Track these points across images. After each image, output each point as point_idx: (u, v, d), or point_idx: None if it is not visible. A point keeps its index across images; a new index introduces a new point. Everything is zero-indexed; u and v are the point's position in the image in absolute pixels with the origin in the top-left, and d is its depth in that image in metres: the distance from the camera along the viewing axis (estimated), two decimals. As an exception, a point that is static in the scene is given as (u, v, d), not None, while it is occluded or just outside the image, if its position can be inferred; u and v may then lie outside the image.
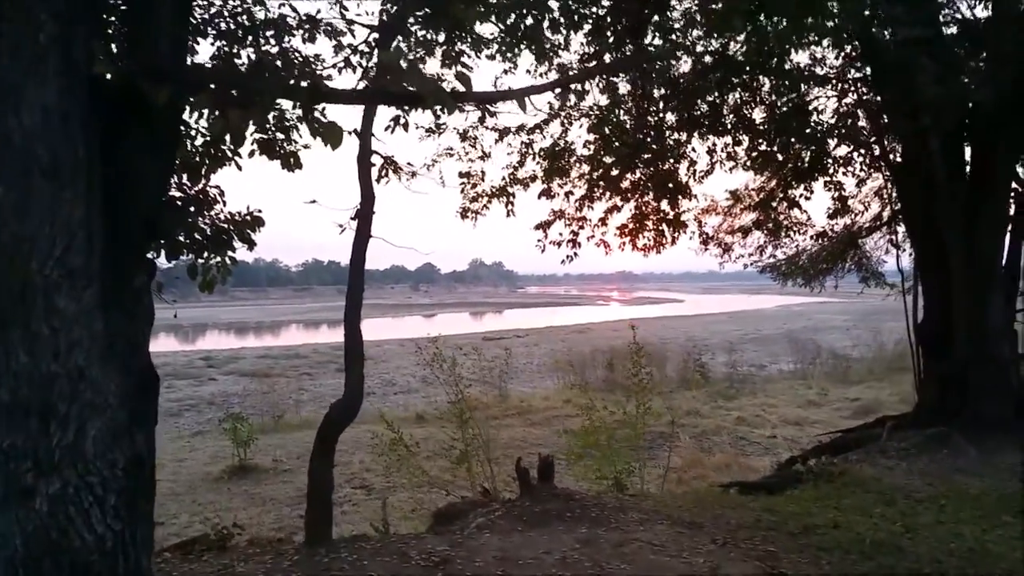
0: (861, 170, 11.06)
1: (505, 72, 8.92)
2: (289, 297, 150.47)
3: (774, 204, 11.14)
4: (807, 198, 11.09)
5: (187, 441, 16.33)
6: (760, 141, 9.54)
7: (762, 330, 51.71)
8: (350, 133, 6.38)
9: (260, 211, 6.63)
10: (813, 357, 24.46)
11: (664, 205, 10.47)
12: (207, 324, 76.89)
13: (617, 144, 9.40)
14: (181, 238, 5.68)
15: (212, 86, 4.02)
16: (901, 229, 11.51)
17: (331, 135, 3.94)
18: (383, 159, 7.27)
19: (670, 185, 10.01)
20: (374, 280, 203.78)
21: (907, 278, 11.34)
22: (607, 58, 8.64)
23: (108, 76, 3.53)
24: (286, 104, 7.04)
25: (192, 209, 6.02)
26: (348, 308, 6.28)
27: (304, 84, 4.55)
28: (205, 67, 5.66)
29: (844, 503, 6.97)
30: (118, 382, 3.37)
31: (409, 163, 7.52)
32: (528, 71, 9.42)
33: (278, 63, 6.05)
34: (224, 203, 6.29)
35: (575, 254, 10.52)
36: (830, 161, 10.59)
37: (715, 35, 7.84)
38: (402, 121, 6.81)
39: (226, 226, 5.87)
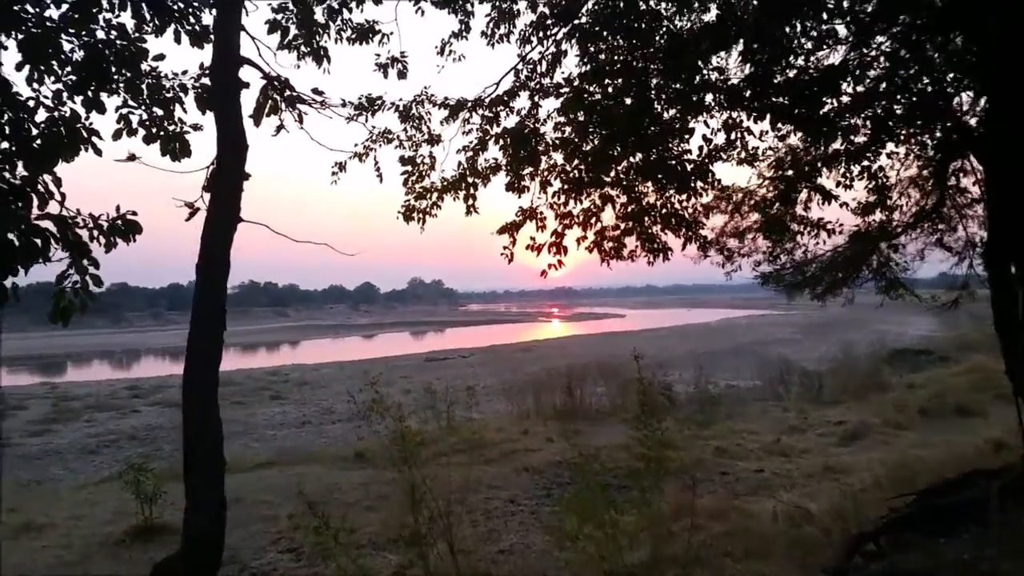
0: (924, 146, 9.19)
1: (455, 35, 7.24)
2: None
3: (795, 197, 9.33)
4: (847, 186, 9.16)
5: (90, 491, 14.10)
6: (790, 112, 7.52)
7: (712, 345, 50.85)
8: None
9: (135, 213, 4.80)
10: (781, 375, 23.03)
11: (672, 197, 8.28)
12: (139, 350, 74.08)
13: (596, 125, 7.54)
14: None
15: None
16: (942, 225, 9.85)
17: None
18: (264, 79, 5.21)
19: (679, 169, 7.70)
20: (312, 301, 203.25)
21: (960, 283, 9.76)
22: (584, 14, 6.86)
23: None
24: (163, 67, 5.25)
25: (18, 206, 4.18)
26: (193, 363, 4.42)
27: None
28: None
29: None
30: None
31: (316, 90, 5.56)
32: (484, 33, 7.65)
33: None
34: (61, 198, 4.44)
35: (559, 262, 8.27)
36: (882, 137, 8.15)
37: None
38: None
39: (47, 228, 4.00)
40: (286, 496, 11.85)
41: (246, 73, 4.77)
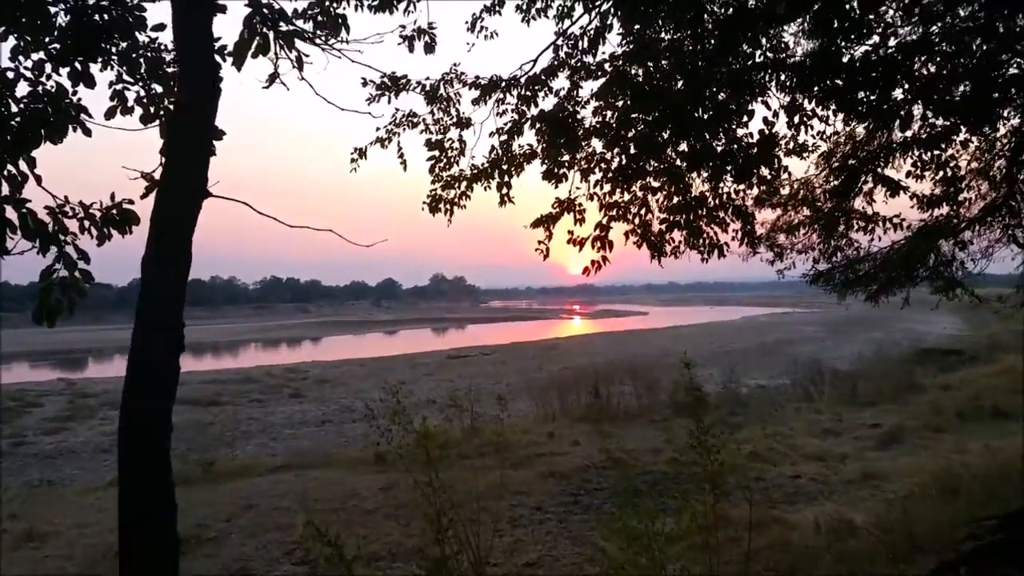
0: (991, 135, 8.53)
1: (488, 9, 6.69)
2: (246, 316, 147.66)
3: (856, 188, 8.69)
4: (919, 176, 8.57)
5: (98, 496, 13.62)
6: (857, 96, 6.78)
7: (736, 343, 50.13)
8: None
9: (131, 202, 4.32)
10: (812, 375, 22.38)
11: (728, 185, 7.31)
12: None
13: (641, 110, 6.89)
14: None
15: None
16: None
17: None
18: (250, 5, 4.15)
19: (739, 154, 6.74)
20: (334, 297, 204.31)
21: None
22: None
23: None
24: (164, 38, 4.75)
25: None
26: (135, 401, 3.69)
27: None
28: None
29: None
30: None
31: (321, 23, 4.74)
32: (519, 7, 7.09)
33: None
34: (36, 181, 3.95)
35: (604, 259, 7.28)
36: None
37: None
38: None
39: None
40: (302, 502, 11.43)
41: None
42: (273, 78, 4.60)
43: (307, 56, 4.53)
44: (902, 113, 6.57)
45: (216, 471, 14.18)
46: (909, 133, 7.67)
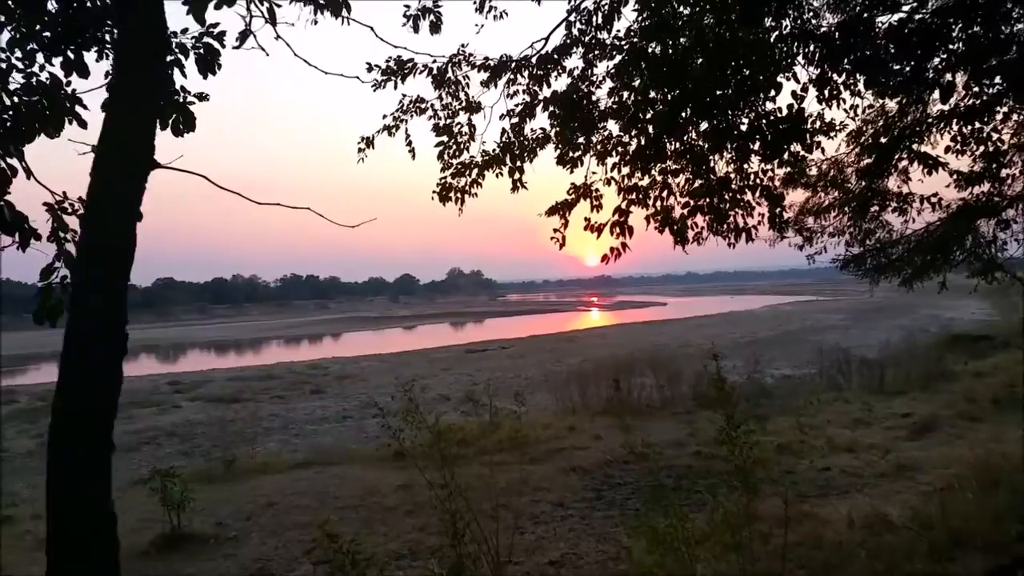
0: None
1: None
2: (268, 313, 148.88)
3: (888, 167, 8.35)
4: (959, 151, 8.27)
5: (121, 494, 13.55)
6: (890, 68, 6.44)
7: (758, 332, 49.74)
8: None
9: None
10: (839, 364, 21.95)
11: (755, 165, 6.96)
12: (184, 344, 74.37)
13: (660, 90, 6.60)
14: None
15: None
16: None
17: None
18: None
19: (767, 131, 6.34)
20: (353, 293, 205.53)
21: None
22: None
23: None
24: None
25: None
26: (68, 413, 3.17)
27: None
28: None
29: None
30: None
31: None
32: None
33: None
34: (26, 176, 3.75)
35: (623, 246, 6.93)
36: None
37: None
38: None
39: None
40: (323, 500, 11.29)
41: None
42: (245, 35, 4.22)
43: (279, 6, 4.20)
44: (943, 82, 6.19)
45: (237, 468, 14.10)
46: (947, 106, 7.31)
